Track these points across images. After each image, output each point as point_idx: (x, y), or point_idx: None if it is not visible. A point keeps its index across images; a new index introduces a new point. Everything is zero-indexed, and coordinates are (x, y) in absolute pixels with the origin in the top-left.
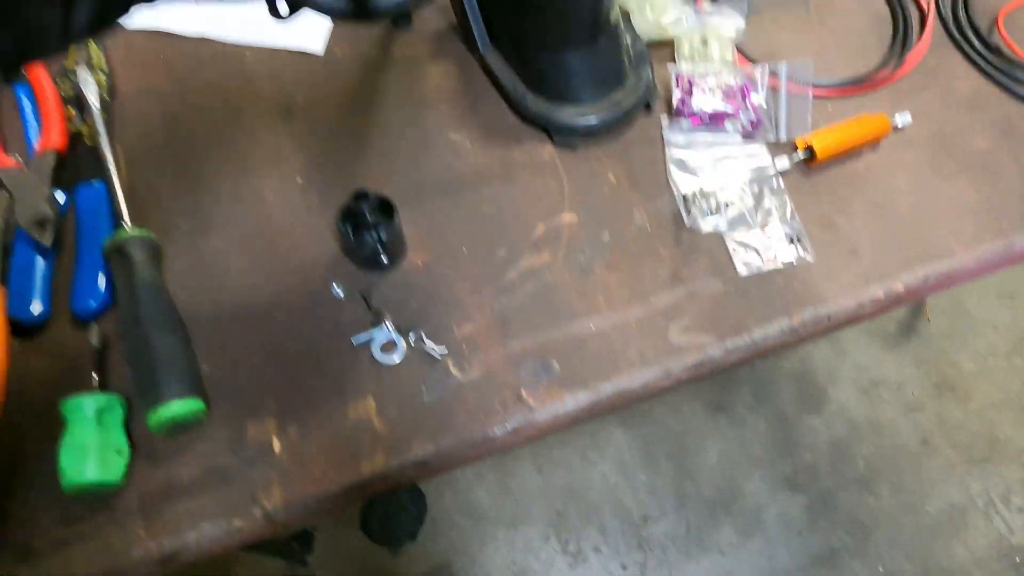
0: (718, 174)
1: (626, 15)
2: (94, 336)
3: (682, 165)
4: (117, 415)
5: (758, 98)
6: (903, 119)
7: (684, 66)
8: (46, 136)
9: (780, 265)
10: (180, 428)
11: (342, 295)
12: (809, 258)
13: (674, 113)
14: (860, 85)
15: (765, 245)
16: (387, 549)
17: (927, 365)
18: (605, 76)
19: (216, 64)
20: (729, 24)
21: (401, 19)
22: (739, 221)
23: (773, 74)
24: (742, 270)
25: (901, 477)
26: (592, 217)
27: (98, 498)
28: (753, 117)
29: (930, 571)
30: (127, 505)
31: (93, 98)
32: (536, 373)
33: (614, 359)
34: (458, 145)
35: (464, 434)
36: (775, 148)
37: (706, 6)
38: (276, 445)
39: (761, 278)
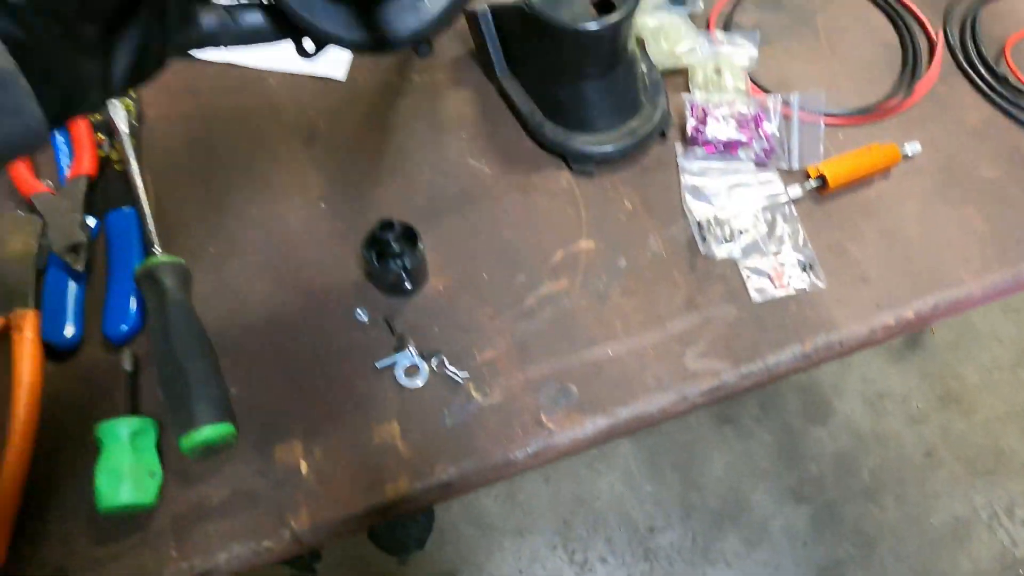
0: (732, 201)
1: (641, 44)
2: (127, 360)
3: (696, 192)
4: (150, 438)
5: (771, 127)
6: (912, 148)
7: (698, 95)
8: (77, 162)
9: (793, 291)
10: (211, 451)
11: (366, 319)
12: (821, 285)
13: (688, 141)
14: (871, 114)
15: (778, 272)
16: (395, 558)
17: (932, 377)
18: (621, 105)
19: (241, 90)
20: (742, 53)
21: (422, 47)
22: (753, 248)
23: (785, 103)
24: (755, 296)
25: (906, 489)
26: (609, 243)
27: (131, 519)
28: (766, 145)
29: None
30: (159, 526)
31: (122, 124)
32: (555, 398)
33: (631, 384)
34: (477, 171)
35: (486, 457)
36: (787, 176)
37: (719, 36)
38: (303, 467)
39: (774, 304)
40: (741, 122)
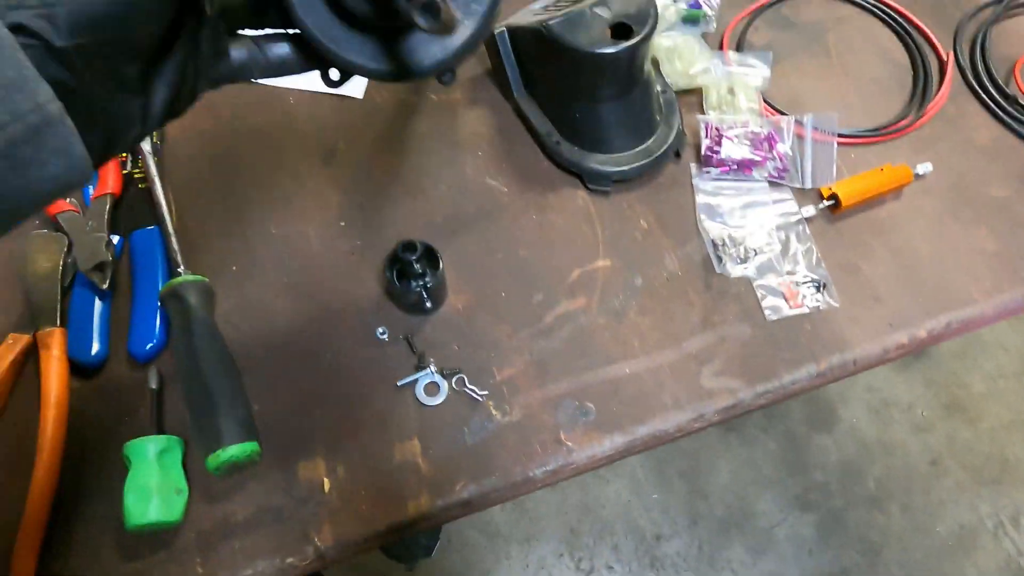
0: (746, 220)
1: (655, 64)
2: (152, 379)
3: (711, 211)
4: (176, 455)
5: (784, 147)
6: (924, 168)
7: (712, 115)
8: (102, 181)
9: (807, 310)
10: (236, 468)
11: (386, 338)
12: (835, 303)
13: (703, 161)
14: (882, 134)
15: (792, 291)
16: (403, 565)
17: (937, 386)
18: (638, 125)
19: (261, 108)
20: (756, 74)
21: (446, 75)
22: (767, 267)
23: (799, 123)
24: (770, 315)
25: (911, 497)
26: (625, 262)
27: (157, 536)
28: (780, 165)
29: None
30: (185, 543)
31: (145, 143)
32: (573, 416)
33: (648, 402)
34: (494, 189)
35: (506, 475)
36: (801, 195)
37: (732, 56)
38: (326, 484)
39: (788, 323)
40: (755, 142)
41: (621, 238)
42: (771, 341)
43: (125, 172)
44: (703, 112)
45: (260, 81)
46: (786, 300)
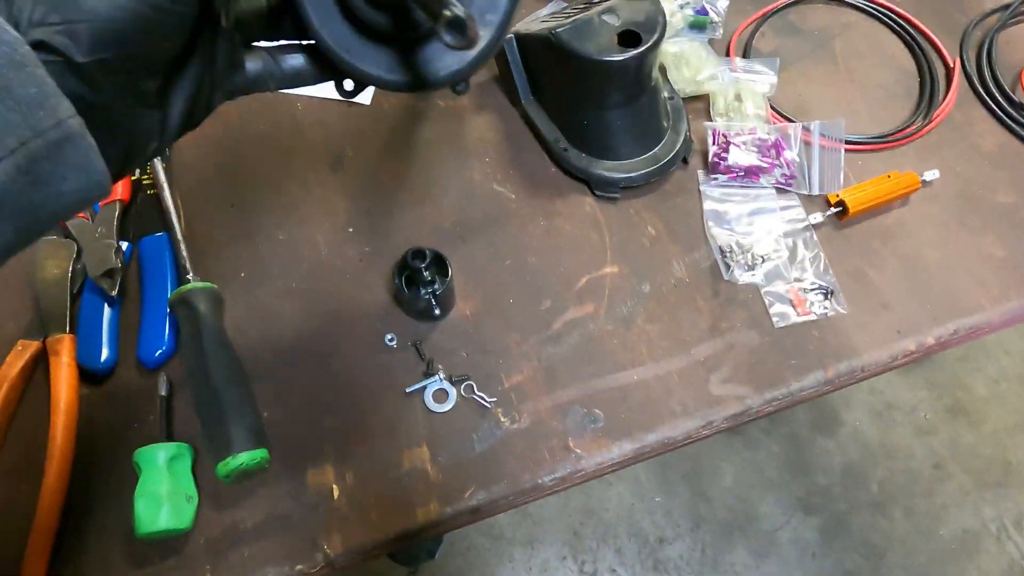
0: (753, 227)
1: (663, 71)
2: (162, 386)
3: (718, 218)
4: (186, 462)
5: (791, 154)
6: (931, 174)
7: (719, 121)
8: None
9: (814, 317)
10: (246, 475)
11: (395, 344)
12: (842, 310)
13: (710, 167)
14: (889, 141)
15: (800, 298)
16: (406, 568)
17: (940, 389)
18: (645, 132)
19: (268, 114)
20: (763, 80)
21: (460, 85)
22: (775, 274)
23: (806, 130)
24: (778, 322)
25: (914, 501)
26: (633, 268)
27: (167, 542)
28: (787, 172)
29: None
30: (194, 549)
31: None
32: (582, 422)
33: (657, 409)
34: (502, 196)
35: (514, 482)
36: (808, 202)
37: (739, 63)
38: (335, 491)
39: (796, 330)
40: (762, 149)
41: (629, 245)
42: (779, 348)
43: (134, 178)
44: (710, 118)
45: None
46: (794, 307)
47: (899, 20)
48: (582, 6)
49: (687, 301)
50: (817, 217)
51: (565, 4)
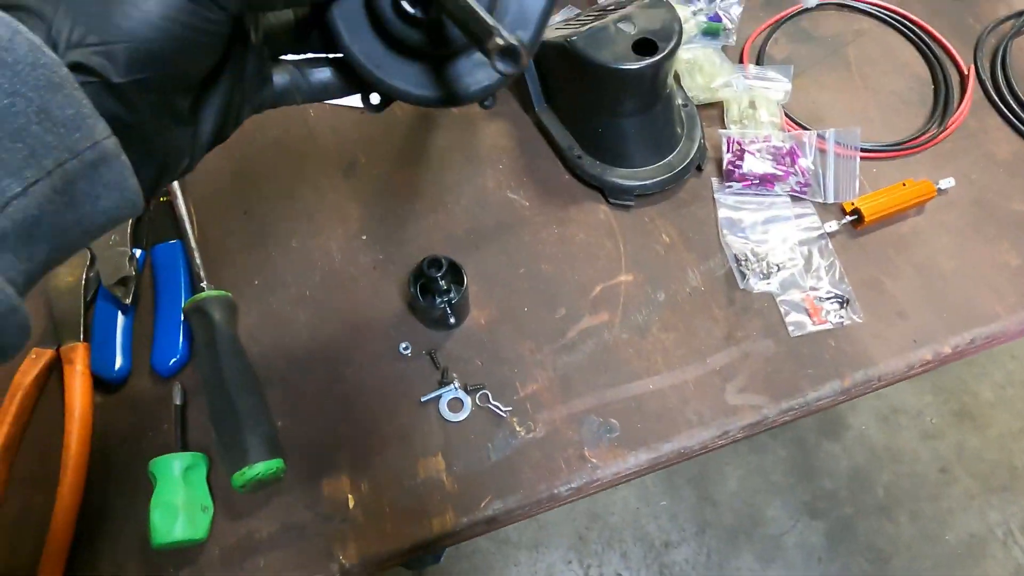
0: (768, 235)
1: (676, 78)
2: (177, 394)
3: (733, 226)
4: (201, 472)
5: (806, 162)
6: (946, 182)
7: (734, 129)
8: None
9: (830, 326)
10: (261, 485)
11: (409, 353)
12: (858, 319)
13: (725, 175)
14: (904, 149)
15: (815, 307)
16: (411, 571)
17: (946, 393)
18: (660, 140)
19: (281, 121)
20: (777, 88)
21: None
22: (790, 283)
23: (820, 137)
24: (793, 331)
25: (920, 505)
26: (647, 277)
27: (181, 552)
28: (802, 180)
29: None
30: (209, 559)
31: None
32: (597, 432)
33: (672, 419)
34: (515, 203)
35: (530, 492)
36: (823, 210)
37: (753, 70)
38: (350, 501)
39: (812, 339)
40: (777, 156)
41: (643, 253)
42: (795, 357)
43: None
44: (724, 126)
45: None
46: (809, 316)
47: (912, 26)
48: (596, 13)
49: (702, 310)
50: (832, 225)
51: (578, 11)
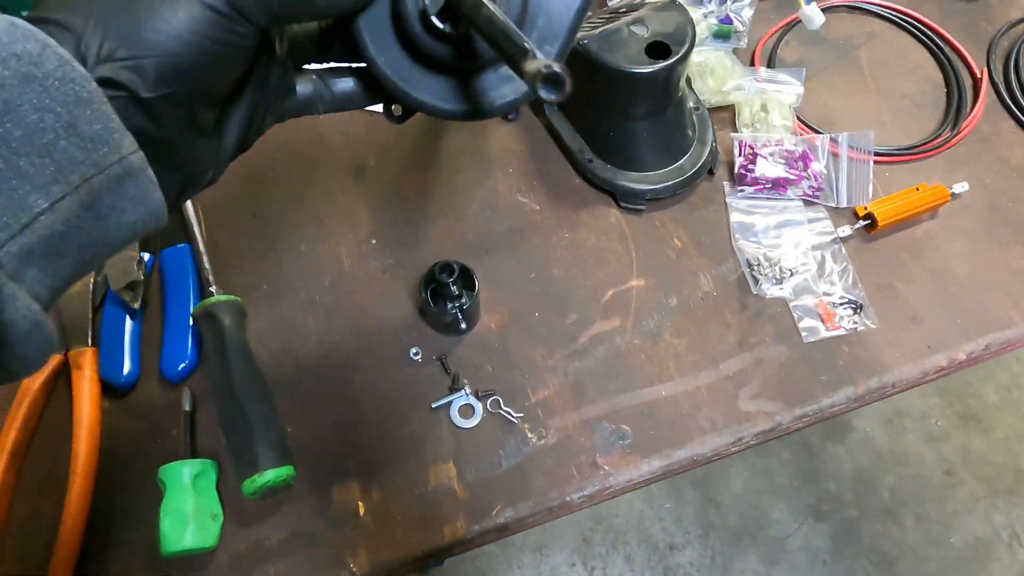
0: (781, 239)
1: (688, 81)
2: (186, 400)
3: (745, 230)
4: (211, 479)
5: (819, 166)
6: (960, 187)
7: (746, 132)
8: None
9: (844, 332)
10: (271, 492)
11: (419, 358)
12: (872, 325)
13: (737, 179)
14: (917, 153)
15: (828, 312)
16: (415, 573)
17: (951, 396)
18: (671, 143)
19: (291, 124)
20: (789, 91)
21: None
22: (803, 288)
23: (833, 141)
24: (807, 336)
25: (925, 508)
26: (659, 281)
27: (191, 559)
28: (814, 184)
29: None
30: (219, 567)
31: None
32: (610, 439)
33: (685, 425)
34: (526, 207)
35: (542, 499)
36: (835, 214)
37: (764, 73)
38: (361, 508)
39: (825, 344)
40: (789, 160)
41: (655, 257)
42: (808, 363)
43: None
44: (736, 129)
45: None
46: (823, 321)
47: (924, 29)
48: (609, 16)
49: (715, 315)
50: (845, 230)
51: (590, 13)
